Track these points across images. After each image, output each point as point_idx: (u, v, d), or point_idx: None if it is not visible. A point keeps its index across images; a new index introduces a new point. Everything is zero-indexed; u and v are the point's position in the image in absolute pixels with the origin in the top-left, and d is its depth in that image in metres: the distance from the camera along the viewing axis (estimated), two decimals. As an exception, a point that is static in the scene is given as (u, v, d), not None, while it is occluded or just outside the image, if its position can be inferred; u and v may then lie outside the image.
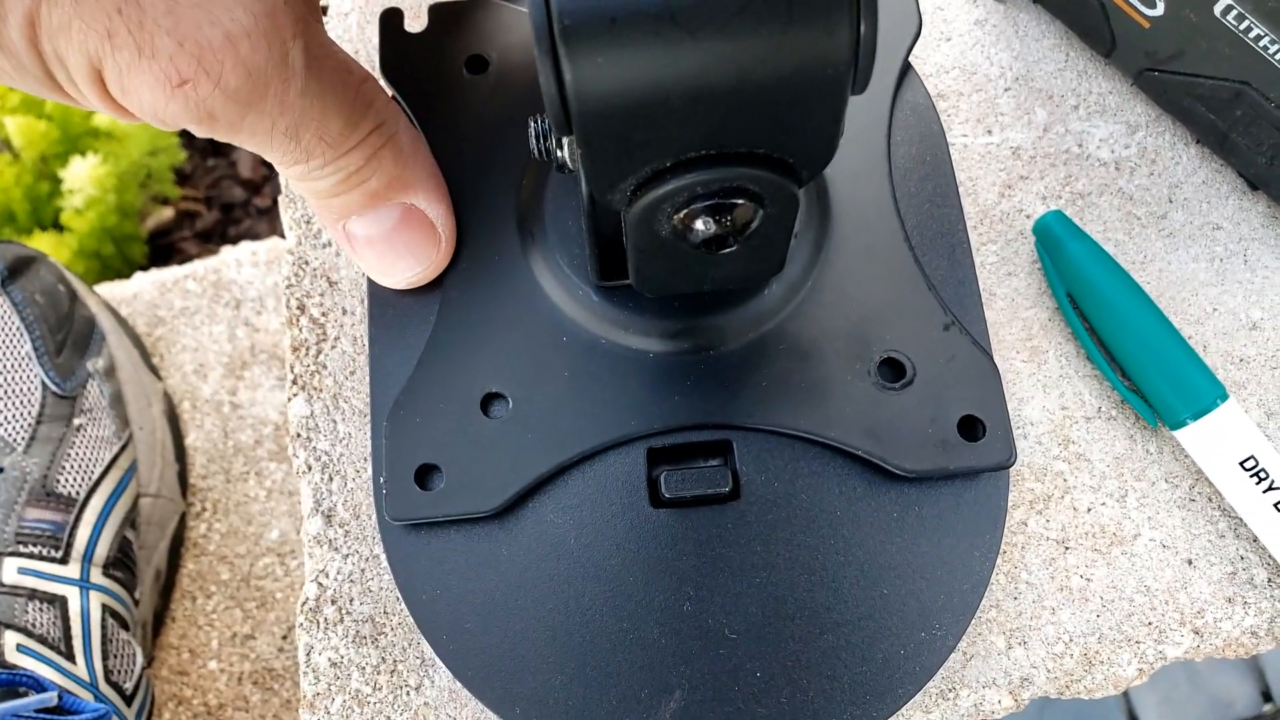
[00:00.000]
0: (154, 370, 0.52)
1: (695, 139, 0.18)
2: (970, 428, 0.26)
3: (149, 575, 0.47)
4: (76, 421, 0.45)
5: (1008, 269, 0.32)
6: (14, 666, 0.39)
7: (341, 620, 0.29)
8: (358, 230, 0.26)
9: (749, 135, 0.18)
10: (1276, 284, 0.31)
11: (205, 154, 1.22)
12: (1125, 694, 1.07)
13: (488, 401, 0.26)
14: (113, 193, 0.99)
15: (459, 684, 0.29)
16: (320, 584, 0.29)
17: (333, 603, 0.29)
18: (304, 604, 0.29)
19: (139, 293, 0.54)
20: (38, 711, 0.37)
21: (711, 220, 0.19)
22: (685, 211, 0.19)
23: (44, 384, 0.45)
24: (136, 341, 0.52)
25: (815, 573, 0.25)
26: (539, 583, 0.25)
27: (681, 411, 0.26)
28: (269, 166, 1.21)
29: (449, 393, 0.26)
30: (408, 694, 0.29)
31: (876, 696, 0.24)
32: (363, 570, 0.29)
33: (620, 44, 0.16)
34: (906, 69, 0.29)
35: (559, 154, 0.22)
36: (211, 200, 1.22)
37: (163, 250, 1.10)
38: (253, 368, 0.53)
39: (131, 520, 0.46)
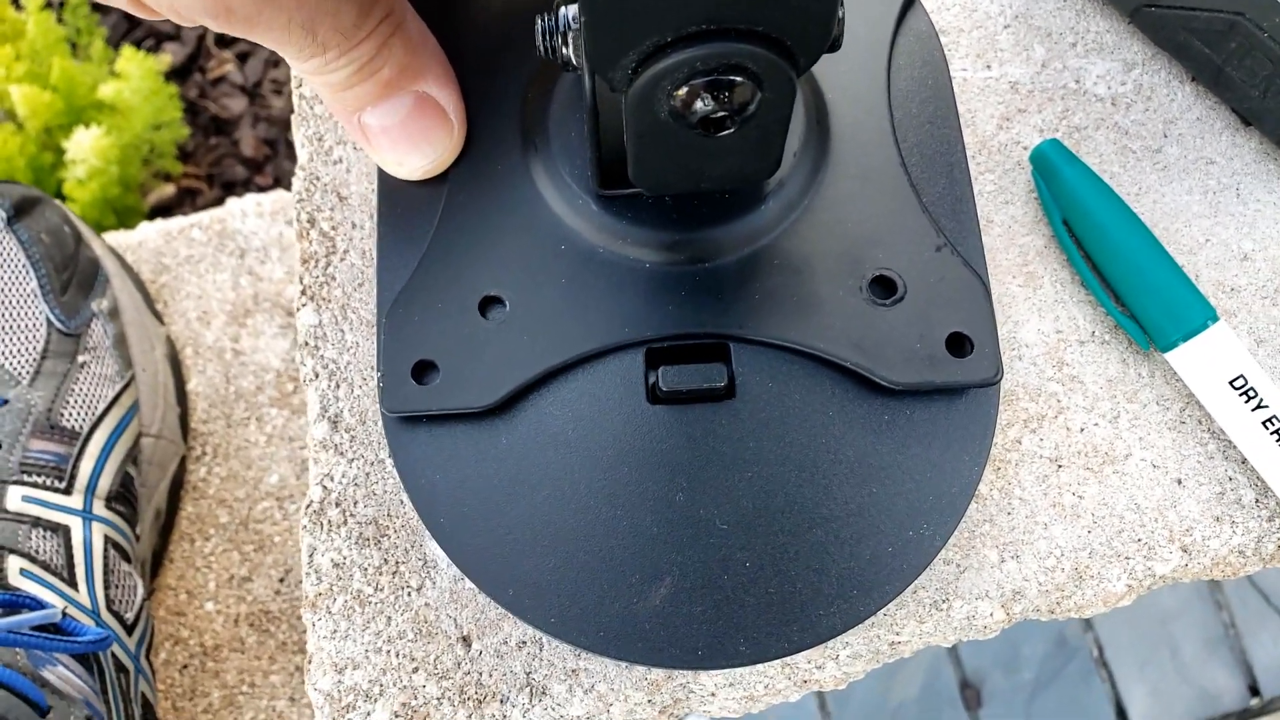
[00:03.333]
0: (156, 315, 0.52)
1: (695, 11, 0.18)
2: (958, 344, 0.26)
3: (149, 514, 0.48)
4: (80, 359, 0.46)
5: (1004, 198, 0.32)
6: (16, 589, 0.39)
7: (345, 523, 0.29)
8: (372, 121, 0.26)
9: (748, 9, 0.18)
10: (1268, 217, 0.32)
11: (208, 132, 1.23)
12: (1114, 686, 1.07)
13: (486, 304, 0.26)
14: (115, 165, 1.00)
15: (459, 585, 0.29)
16: (325, 487, 0.30)
17: (336, 505, 0.29)
18: (308, 506, 0.30)
19: (144, 240, 0.55)
20: (35, 630, 0.38)
21: (710, 98, 0.20)
22: (685, 89, 0.20)
23: (49, 321, 0.46)
24: (140, 285, 0.52)
25: (806, 470, 0.25)
26: (536, 472, 0.25)
27: (676, 320, 0.26)
28: (271, 146, 1.22)
29: (448, 294, 0.27)
30: (409, 594, 0.29)
31: (863, 591, 0.25)
32: (367, 474, 0.30)
33: None
34: (910, 1, 0.30)
35: (564, 50, 0.23)
36: (213, 178, 1.23)
37: (164, 223, 1.10)
38: (255, 315, 0.54)
39: (134, 457, 0.46)
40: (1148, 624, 1.09)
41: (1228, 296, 0.31)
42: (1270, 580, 1.06)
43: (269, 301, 0.54)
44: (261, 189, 1.21)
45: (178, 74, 1.24)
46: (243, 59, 1.27)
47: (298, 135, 0.33)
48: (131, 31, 1.25)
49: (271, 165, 1.25)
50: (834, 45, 0.22)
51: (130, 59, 1.06)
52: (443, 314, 0.26)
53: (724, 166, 0.23)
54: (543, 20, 0.23)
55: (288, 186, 1.20)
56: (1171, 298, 0.30)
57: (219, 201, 1.18)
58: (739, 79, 0.19)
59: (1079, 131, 0.33)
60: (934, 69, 0.29)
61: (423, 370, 0.26)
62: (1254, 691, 1.07)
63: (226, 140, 1.25)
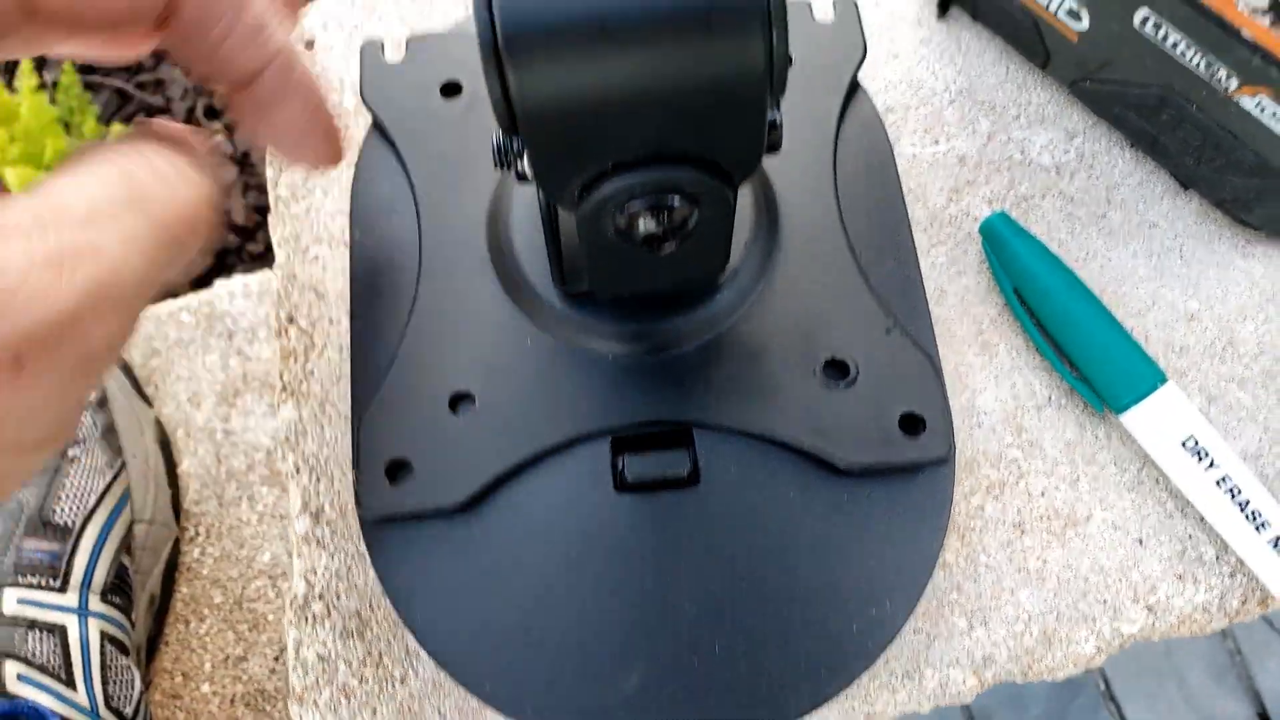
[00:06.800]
0: (145, 398, 0.53)
1: (631, 142, 0.20)
2: (911, 424, 0.27)
3: (144, 601, 0.48)
4: (70, 453, 0.46)
5: (957, 269, 0.33)
6: (15, 696, 0.40)
7: (329, 615, 0.30)
8: None
9: (680, 138, 0.20)
10: (1211, 277, 0.33)
11: (200, 202, 1.25)
12: (1121, 717, 1.06)
13: (456, 401, 0.27)
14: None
15: (442, 675, 0.30)
16: (308, 581, 0.30)
17: (320, 598, 0.30)
18: (293, 601, 0.30)
19: (134, 326, 0.56)
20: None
21: (651, 218, 0.21)
22: (627, 210, 0.21)
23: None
24: (127, 370, 0.53)
25: (770, 554, 0.26)
26: (509, 564, 0.26)
27: (641, 409, 0.27)
28: (261, 213, 1.24)
29: (419, 392, 0.28)
30: (393, 685, 0.30)
31: (831, 671, 0.25)
32: (349, 567, 0.30)
33: (557, 54, 0.18)
34: (855, 87, 0.31)
35: (519, 164, 0.24)
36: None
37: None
38: (245, 395, 0.55)
39: (127, 546, 0.47)
40: (1152, 656, 1.08)
41: (1177, 356, 0.32)
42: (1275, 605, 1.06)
43: (258, 381, 0.55)
44: (253, 256, 1.23)
45: (169, 146, 1.26)
46: (232, 129, 1.30)
47: (275, 235, 0.35)
48: (123, 108, 1.28)
49: (262, 232, 1.27)
50: (773, 148, 0.23)
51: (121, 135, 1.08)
52: (414, 412, 0.27)
53: (674, 271, 0.24)
54: (496, 137, 0.24)
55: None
56: (1121, 362, 0.31)
57: (210, 270, 1.20)
58: (677, 200, 0.21)
59: (1026, 201, 0.34)
60: (879, 153, 0.31)
61: (396, 470, 0.27)
62: (1263, 719, 1.06)
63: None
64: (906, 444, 0.26)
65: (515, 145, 0.24)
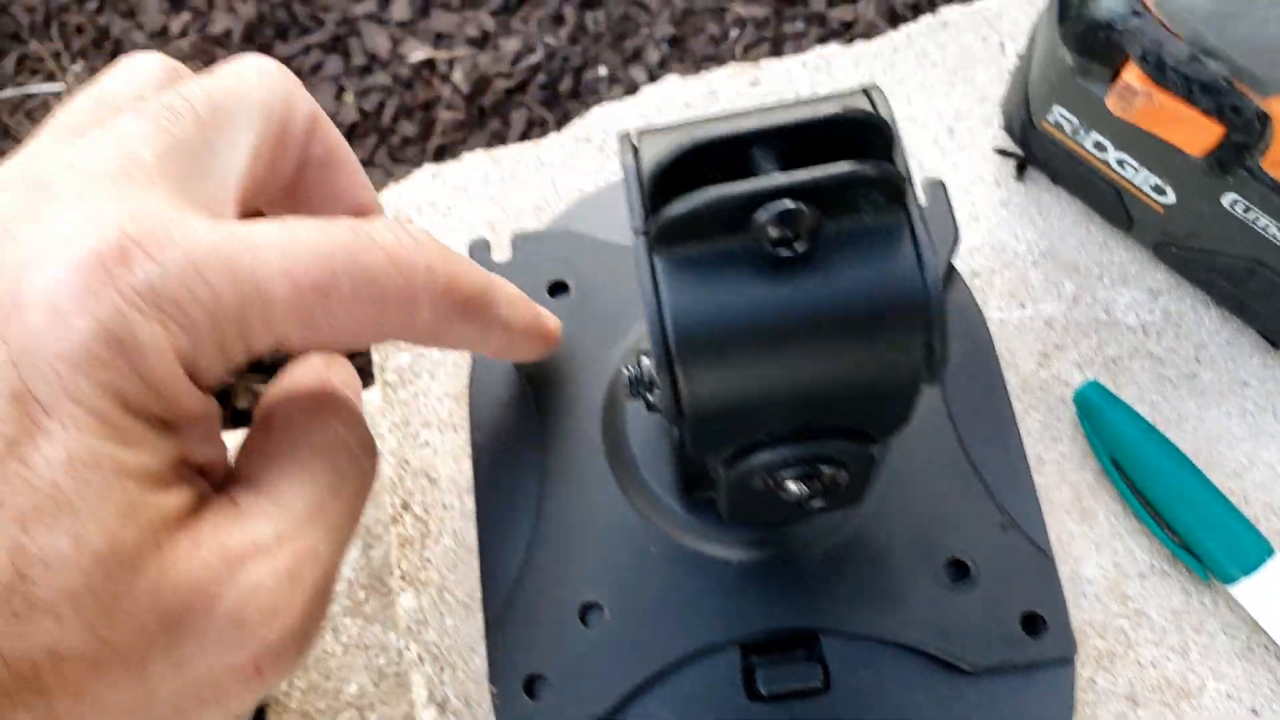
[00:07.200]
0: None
1: (787, 424, 0.21)
2: (1032, 624, 0.28)
3: (238, 739, 0.49)
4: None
5: (1052, 435, 0.34)
6: None
7: (459, 810, 0.31)
8: None
9: (834, 417, 0.21)
10: (1306, 435, 0.34)
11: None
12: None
13: (585, 611, 0.28)
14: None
15: None
16: (437, 775, 0.31)
17: (450, 793, 0.31)
18: (423, 795, 0.31)
19: (215, 457, 0.57)
20: None
21: (802, 483, 0.22)
22: (777, 475, 0.22)
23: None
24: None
25: None
26: None
27: (768, 616, 0.28)
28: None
29: (550, 602, 0.29)
30: None
31: None
32: (476, 760, 0.31)
33: (726, 363, 0.19)
34: (950, 273, 0.32)
35: (649, 397, 0.25)
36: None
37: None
38: (325, 524, 0.56)
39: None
40: None
41: (1279, 518, 0.33)
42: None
43: (337, 509, 0.56)
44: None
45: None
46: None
47: (383, 423, 0.36)
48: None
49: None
50: None
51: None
52: (547, 625, 0.28)
53: (811, 512, 0.25)
54: (628, 370, 0.25)
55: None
56: (1227, 534, 0.31)
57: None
58: (826, 467, 0.22)
59: (1115, 363, 0.35)
60: (978, 339, 0.32)
61: (533, 684, 0.28)
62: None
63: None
64: (1029, 644, 0.27)
65: (646, 377, 0.25)
